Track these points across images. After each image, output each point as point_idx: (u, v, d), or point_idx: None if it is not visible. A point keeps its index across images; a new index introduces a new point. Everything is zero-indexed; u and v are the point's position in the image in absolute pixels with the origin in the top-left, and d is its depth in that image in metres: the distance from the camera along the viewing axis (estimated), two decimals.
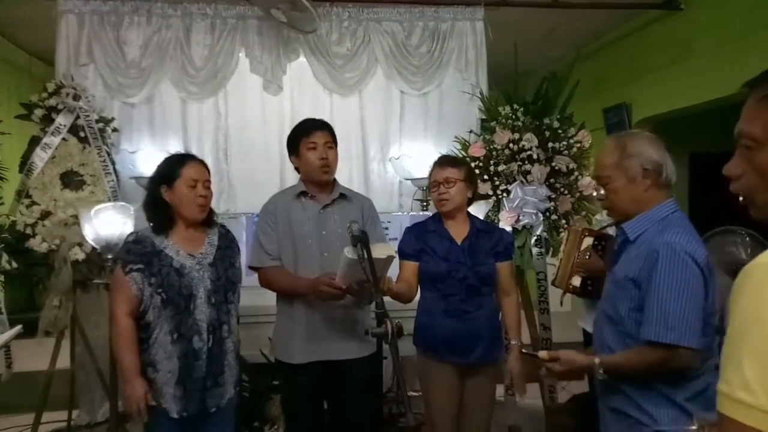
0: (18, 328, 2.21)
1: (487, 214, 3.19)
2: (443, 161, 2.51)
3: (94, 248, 3.03)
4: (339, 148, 2.47)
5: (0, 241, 3.05)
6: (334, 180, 2.47)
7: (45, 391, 3.14)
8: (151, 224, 2.15)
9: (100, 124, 3.39)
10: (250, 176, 4.05)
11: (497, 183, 3.26)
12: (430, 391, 2.40)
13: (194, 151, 3.23)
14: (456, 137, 3.64)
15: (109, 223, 2.91)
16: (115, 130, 3.56)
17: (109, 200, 3.20)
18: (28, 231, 3.07)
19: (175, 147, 3.79)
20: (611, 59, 5.30)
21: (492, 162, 3.28)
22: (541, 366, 1.75)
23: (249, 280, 2.45)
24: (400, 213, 3.85)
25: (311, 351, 2.32)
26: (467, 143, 3.49)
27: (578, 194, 3.33)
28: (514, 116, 3.30)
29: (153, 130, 3.91)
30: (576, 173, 3.30)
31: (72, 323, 3.25)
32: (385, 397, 3.52)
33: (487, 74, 4.10)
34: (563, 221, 3.31)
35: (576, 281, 2.69)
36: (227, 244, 2.24)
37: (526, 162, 3.23)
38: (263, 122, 4.13)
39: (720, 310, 1.62)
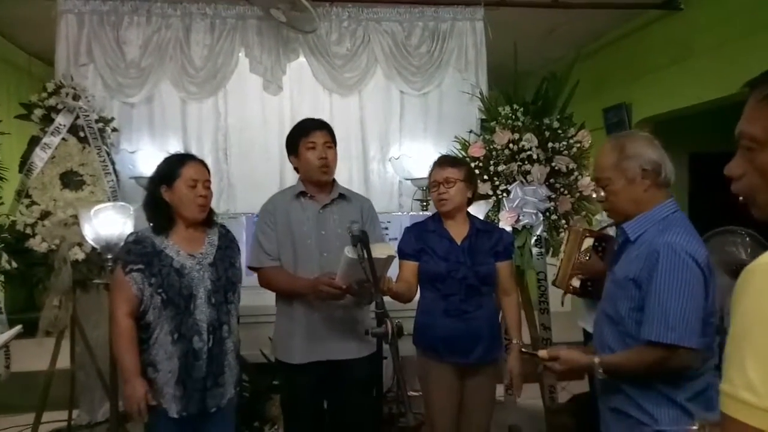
0: (18, 328, 2.21)
1: (487, 214, 3.19)
2: (443, 161, 2.51)
3: (94, 248, 3.03)
4: (339, 148, 2.47)
5: (0, 241, 3.05)
6: (334, 180, 2.47)
7: (45, 390, 3.14)
8: (151, 224, 2.15)
9: (100, 124, 3.39)
10: (250, 176, 4.05)
11: (497, 183, 3.25)
12: (430, 391, 2.40)
13: (194, 151, 3.24)
14: (456, 137, 3.64)
15: (109, 223, 2.91)
16: (114, 130, 3.56)
17: (109, 200, 3.20)
18: (28, 231, 3.07)
19: (175, 147, 3.79)
20: (611, 59, 5.30)
21: (492, 162, 3.28)
22: (540, 365, 1.75)
23: (249, 280, 2.45)
24: (400, 213, 3.85)
25: (311, 351, 2.32)
26: (467, 143, 3.49)
27: (578, 194, 3.33)
28: (513, 116, 3.30)
29: (153, 130, 3.91)
30: (576, 173, 3.30)
31: (72, 323, 3.25)
32: (385, 397, 3.51)
33: (487, 74, 4.10)
34: (563, 221, 3.31)
35: (576, 282, 2.70)
36: (227, 244, 2.24)
37: (526, 162, 3.23)
38: (263, 122, 4.13)
39: (720, 310, 1.62)
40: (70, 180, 3.22)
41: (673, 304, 1.50)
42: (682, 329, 1.50)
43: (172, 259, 2.08)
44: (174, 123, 3.97)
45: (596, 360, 1.63)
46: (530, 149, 3.22)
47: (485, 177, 3.25)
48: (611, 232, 2.65)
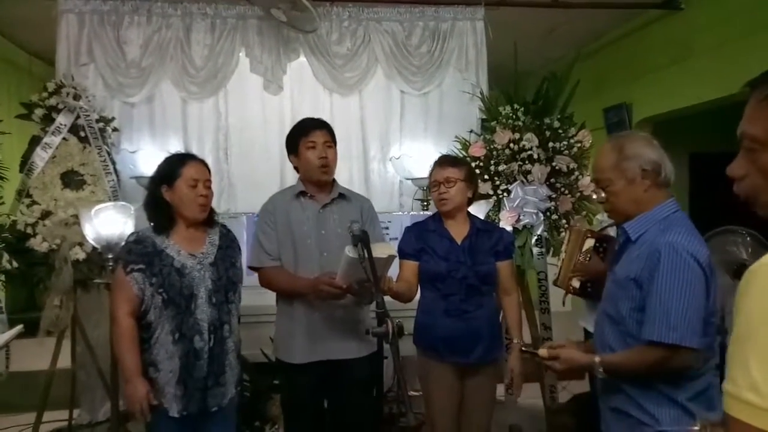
0: (19, 327, 2.22)
1: (487, 213, 3.19)
2: (443, 161, 2.51)
3: (94, 248, 3.03)
4: (339, 147, 2.47)
5: (1, 241, 3.05)
6: (333, 180, 2.47)
7: (46, 390, 3.14)
8: (152, 224, 2.15)
9: (101, 124, 3.39)
10: (251, 176, 4.05)
11: (498, 183, 3.25)
12: (431, 390, 2.40)
13: (194, 151, 3.23)
14: (456, 137, 3.64)
15: (110, 222, 2.91)
16: (115, 129, 3.56)
17: (110, 200, 3.20)
18: (29, 231, 3.08)
19: (176, 147, 3.79)
20: (611, 59, 5.30)
21: (492, 162, 3.28)
22: (540, 363, 1.75)
23: (250, 279, 2.45)
24: (400, 213, 3.85)
25: (312, 351, 2.32)
26: (467, 143, 3.49)
27: (579, 194, 3.33)
28: (514, 116, 3.30)
29: (153, 130, 3.91)
30: (576, 173, 3.30)
31: (73, 323, 3.25)
32: (385, 397, 3.51)
33: (487, 74, 4.10)
34: (564, 221, 3.31)
35: (576, 283, 2.70)
36: (228, 243, 2.24)
37: (527, 162, 3.23)
38: (263, 122, 4.13)
39: (721, 309, 1.62)
40: (71, 180, 3.22)
41: (674, 304, 1.50)
42: (684, 329, 1.50)
43: (173, 258, 2.08)
44: (174, 123, 3.97)
45: (596, 359, 1.63)
46: (531, 149, 3.22)
47: (486, 177, 3.25)
48: (612, 232, 2.65)
